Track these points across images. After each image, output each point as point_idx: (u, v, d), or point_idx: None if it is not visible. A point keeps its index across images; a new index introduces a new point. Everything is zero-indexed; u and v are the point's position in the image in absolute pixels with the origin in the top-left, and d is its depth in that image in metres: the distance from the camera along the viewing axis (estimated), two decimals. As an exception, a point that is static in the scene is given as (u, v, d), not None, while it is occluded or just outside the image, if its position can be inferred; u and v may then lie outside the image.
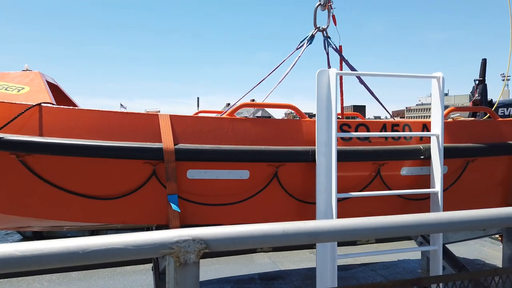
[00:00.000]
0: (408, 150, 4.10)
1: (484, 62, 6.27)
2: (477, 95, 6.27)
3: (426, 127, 4.26)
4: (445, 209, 4.24)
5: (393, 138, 4.16)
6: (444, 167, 4.26)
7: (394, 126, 4.19)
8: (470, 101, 6.58)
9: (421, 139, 4.25)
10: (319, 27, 5.37)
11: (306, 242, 1.51)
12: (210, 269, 6.79)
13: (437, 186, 4.05)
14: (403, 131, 4.22)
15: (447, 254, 5.85)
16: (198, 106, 58.53)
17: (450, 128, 4.36)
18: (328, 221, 1.54)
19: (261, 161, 3.69)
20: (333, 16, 5.26)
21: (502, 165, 4.53)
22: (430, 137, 4.15)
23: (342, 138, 4.00)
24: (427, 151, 4.11)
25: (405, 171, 4.19)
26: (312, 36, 5.40)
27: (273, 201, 3.87)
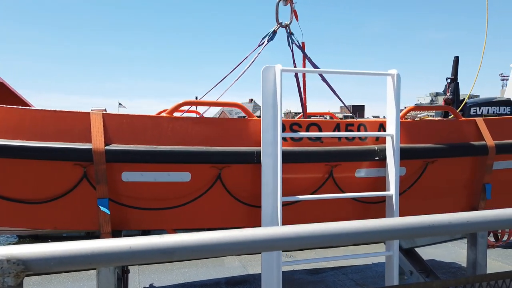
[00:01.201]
0: (361, 151, 3.91)
1: (456, 60, 6.09)
2: (449, 93, 6.10)
3: (383, 127, 4.07)
4: (403, 212, 4.05)
5: (347, 138, 3.97)
6: (401, 169, 4.07)
7: (348, 126, 4.00)
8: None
9: (377, 139, 4.06)
10: (281, 22, 5.18)
11: (159, 260, 1.32)
12: (176, 273, 6.59)
13: (392, 189, 3.86)
14: (358, 131, 4.02)
15: (415, 258, 5.69)
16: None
17: (408, 128, 4.16)
18: (190, 235, 1.34)
19: (202, 162, 3.49)
20: (295, 11, 5.06)
21: (465, 167, 4.34)
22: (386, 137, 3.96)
23: (292, 139, 3.80)
24: (382, 152, 3.92)
25: (360, 173, 4.00)
26: (274, 32, 5.20)
27: (218, 205, 3.67)
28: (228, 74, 5.31)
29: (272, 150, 3.53)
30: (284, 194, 3.70)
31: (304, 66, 5.24)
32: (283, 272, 6.76)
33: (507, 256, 7.68)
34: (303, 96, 5.33)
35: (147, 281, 6.27)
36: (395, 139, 3.85)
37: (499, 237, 5.86)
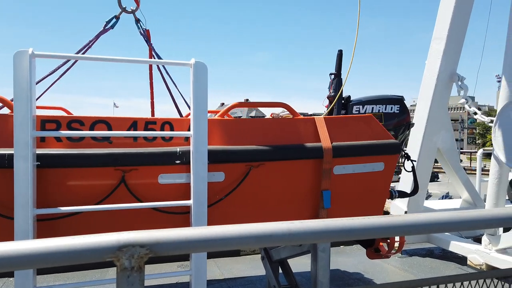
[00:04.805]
0: (159, 154, 3.31)
1: (339, 54, 5.54)
2: (331, 90, 5.53)
3: None
4: (224, 223, 3.47)
5: (145, 138, 3.38)
6: (219, 174, 3.50)
7: (149, 124, 3.41)
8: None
9: (187, 140, 3.47)
10: (125, 7, 4.60)
11: None
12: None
13: (192, 198, 3.27)
14: (162, 130, 3.43)
15: (286, 271, 5.12)
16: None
17: (229, 127, 3.59)
18: None
19: None
20: (135, -4, 4.49)
21: (299, 171, 3.76)
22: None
23: (70, 139, 3.20)
24: (186, 155, 3.33)
25: (164, 179, 3.40)
26: (117, 18, 4.62)
27: None
28: (69, 68, 4.66)
29: (26, 152, 2.92)
30: (58, 205, 3.10)
31: (150, 57, 4.67)
32: (166, 284, 6.19)
33: (411, 264, 7.18)
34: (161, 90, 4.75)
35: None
36: (196, 139, 3.26)
37: (388, 246, 5.30)
